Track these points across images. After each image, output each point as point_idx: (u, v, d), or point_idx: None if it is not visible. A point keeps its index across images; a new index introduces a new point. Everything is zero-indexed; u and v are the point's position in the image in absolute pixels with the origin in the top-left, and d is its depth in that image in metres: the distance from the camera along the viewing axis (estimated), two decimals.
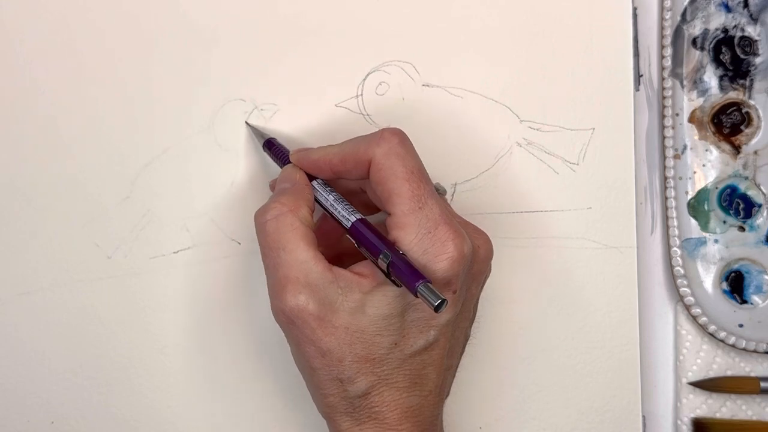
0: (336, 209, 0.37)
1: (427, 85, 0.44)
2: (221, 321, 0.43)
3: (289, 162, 0.40)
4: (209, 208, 0.43)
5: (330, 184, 0.39)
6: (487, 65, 0.44)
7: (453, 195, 0.44)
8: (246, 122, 0.43)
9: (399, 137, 0.37)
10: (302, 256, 0.35)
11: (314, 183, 0.39)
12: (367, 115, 0.44)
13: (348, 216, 0.37)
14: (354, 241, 0.36)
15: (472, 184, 0.44)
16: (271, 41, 0.44)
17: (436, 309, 0.32)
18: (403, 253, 0.35)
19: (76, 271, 0.43)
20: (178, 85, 0.44)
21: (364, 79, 0.44)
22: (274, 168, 0.44)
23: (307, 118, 0.44)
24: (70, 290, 0.43)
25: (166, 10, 0.44)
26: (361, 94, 0.44)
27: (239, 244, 0.43)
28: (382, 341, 0.35)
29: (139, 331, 0.43)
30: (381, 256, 0.34)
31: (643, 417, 0.43)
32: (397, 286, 0.35)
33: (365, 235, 0.36)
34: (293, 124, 0.44)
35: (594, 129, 0.44)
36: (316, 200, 0.38)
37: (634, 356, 0.43)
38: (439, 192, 0.41)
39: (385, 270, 0.34)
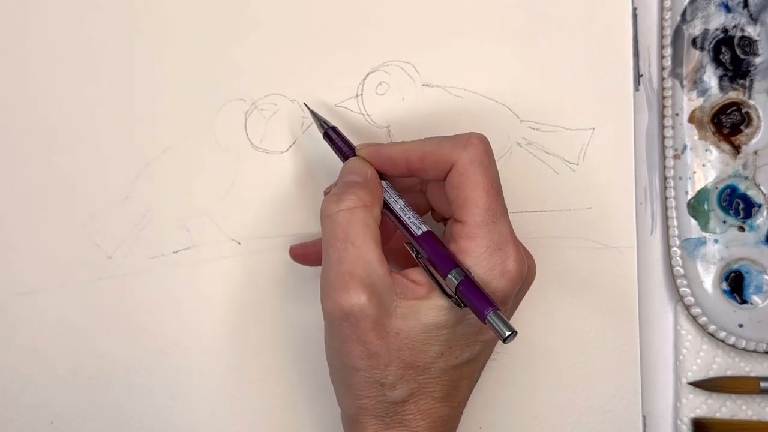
0: (406, 215, 0.36)
1: (427, 85, 0.44)
2: (221, 321, 0.43)
3: (355, 155, 0.38)
4: (209, 208, 0.43)
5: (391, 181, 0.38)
6: (487, 65, 0.44)
7: None
8: (305, 104, 0.42)
9: (486, 145, 0.36)
10: (370, 256, 0.34)
11: (384, 183, 0.38)
12: (367, 115, 0.44)
13: (419, 225, 0.36)
14: (416, 251, 0.36)
15: None
16: (271, 41, 0.44)
17: (505, 341, 0.32)
18: (472, 275, 0.34)
19: (76, 271, 0.43)
20: (179, 85, 0.44)
21: (364, 79, 0.44)
22: (274, 168, 0.44)
23: (307, 119, 0.44)
24: (70, 290, 0.43)
25: (167, 11, 0.44)
26: (361, 94, 0.44)
27: (239, 244, 0.43)
28: (430, 350, 0.35)
29: (139, 331, 0.43)
30: (452, 274, 0.34)
31: (643, 417, 0.43)
32: (458, 305, 0.34)
33: (435, 249, 0.35)
34: (293, 124, 0.44)
35: (594, 129, 0.44)
36: (385, 203, 0.37)
37: (634, 356, 0.43)
38: None
39: (453, 288, 0.34)
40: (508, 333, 0.32)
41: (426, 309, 0.35)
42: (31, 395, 0.43)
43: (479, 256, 0.35)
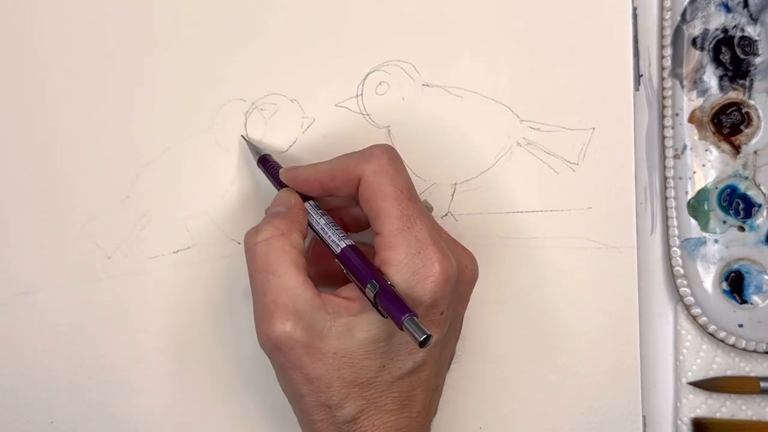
0: (327, 234, 0.37)
1: (427, 85, 0.44)
2: (221, 321, 0.43)
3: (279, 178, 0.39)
4: (209, 208, 0.43)
5: (322, 201, 0.39)
6: (487, 65, 0.44)
7: (453, 195, 0.44)
8: (242, 136, 0.43)
9: (389, 154, 0.36)
10: (291, 282, 0.35)
11: (307, 205, 0.38)
12: (367, 115, 0.44)
13: (338, 242, 0.36)
14: (343, 267, 0.36)
15: (472, 184, 0.44)
16: (271, 41, 0.44)
17: (422, 344, 0.32)
18: (391, 284, 0.34)
19: (76, 271, 0.43)
20: (179, 85, 0.44)
21: (364, 79, 0.44)
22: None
23: (308, 118, 0.44)
24: (70, 290, 0.43)
25: (167, 11, 0.44)
26: (361, 94, 0.44)
27: (239, 244, 0.43)
28: (370, 364, 0.35)
29: (139, 331, 0.43)
30: (369, 286, 0.34)
31: (643, 417, 0.43)
32: (383, 316, 0.34)
33: (354, 263, 0.35)
34: (293, 125, 0.44)
35: (594, 129, 0.44)
36: (309, 223, 0.38)
37: (634, 356, 0.43)
38: (427, 209, 0.40)
39: (372, 299, 0.34)
40: (421, 338, 0.32)
41: (360, 324, 0.35)
42: (31, 395, 0.43)
43: (399, 264, 0.34)
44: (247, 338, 0.43)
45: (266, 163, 0.41)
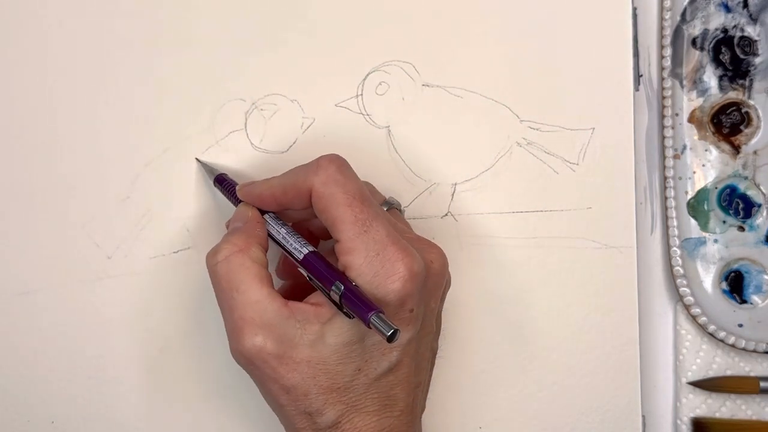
0: (288, 242, 0.37)
1: (427, 85, 0.44)
2: (221, 321, 0.43)
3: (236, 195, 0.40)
4: (209, 208, 0.43)
5: (285, 215, 0.39)
6: (487, 65, 0.44)
7: (453, 195, 0.44)
8: (196, 158, 0.43)
9: (336, 164, 0.36)
10: (256, 296, 0.35)
11: (266, 217, 0.38)
12: (367, 115, 0.44)
13: (300, 248, 0.36)
14: (305, 274, 0.36)
15: (472, 184, 0.44)
16: (271, 41, 0.44)
17: (389, 339, 0.32)
18: (355, 285, 0.34)
19: (76, 271, 0.43)
20: (178, 85, 0.44)
21: (364, 79, 0.44)
22: (274, 168, 0.44)
23: (308, 118, 0.44)
24: (70, 290, 0.43)
25: (167, 11, 0.44)
26: (361, 94, 0.44)
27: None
28: (345, 369, 0.35)
29: (139, 331, 0.43)
30: (333, 288, 0.34)
31: (643, 417, 0.43)
32: (350, 317, 0.34)
33: (317, 267, 0.35)
34: (293, 124, 0.44)
35: (594, 129, 0.44)
36: (270, 235, 0.38)
37: (634, 356, 0.43)
38: (393, 206, 0.40)
39: (338, 302, 0.34)
40: (388, 332, 0.32)
41: (330, 330, 0.35)
42: (31, 395, 0.43)
43: (360, 267, 0.35)
44: None
45: (222, 181, 0.41)
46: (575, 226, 0.44)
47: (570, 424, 0.43)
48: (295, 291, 0.40)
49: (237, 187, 0.40)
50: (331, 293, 0.34)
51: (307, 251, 0.36)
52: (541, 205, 0.44)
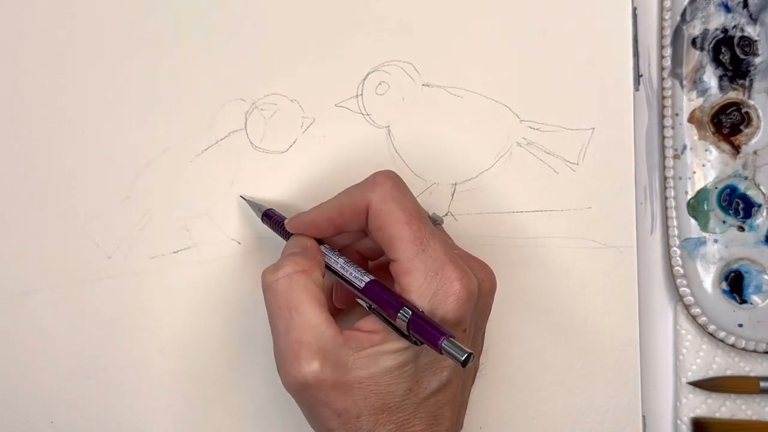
0: (348, 271, 0.37)
1: (427, 85, 0.44)
2: (221, 321, 0.43)
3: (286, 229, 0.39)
4: (209, 208, 0.43)
5: (330, 242, 0.39)
6: (487, 65, 0.44)
7: (453, 195, 0.44)
8: (241, 196, 0.43)
9: (393, 180, 0.36)
10: (315, 319, 0.34)
11: (323, 248, 0.38)
12: (367, 115, 0.44)
13: (361, 277, 0.36)
14: (365, 303, 0.36)
15: (472, 184, 0.44)
16: (272, 41, 0.44)
17: (464, 364, 0.32)
18: (422, 311, 0.34)
19: (76, 271, 0.43)
20: (178, 85, 0.44)
21: (364, 79, 0.44)
22: (274, 168, 0.44)
23: (308, 118, 0.44)
24: (70, 290, 0.43)
25: (167, 11, 0.44)
26: (361, 94, 0.44)
27: (239, 244, 0.43)
28: (396, 389, 0.35)
29: (139, 331, 0.43)
30: (400, 315, 0.34)
31: (643, 417, 0.43)
32: (416, 343, 0.34)
33: (381, 295, 0.35)
34: (293, 124, 0.44)
35: (594, 129, 0.44)
36: (327, 265, 0.38)
37: (634, 356, 0.43)
38: (436, 222, 0.40)
39: (405, 328, 0.34)
40: (463, 357, 0.32)
41: (384, 354, 0.35)
42: (31, 395, 0.43)
43: (419, 288, 0.34)
44: (247, 337, 0.43)
45: (271, 217, 0.41)
46: (575, 226, 0.44)
47: (570, 424, 0.43)
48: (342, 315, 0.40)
49: (286, 221, 0.39)
50: (398, 321, 0.34)
51: (369, 279, 0.36)
52: (541, 205, 0.44)
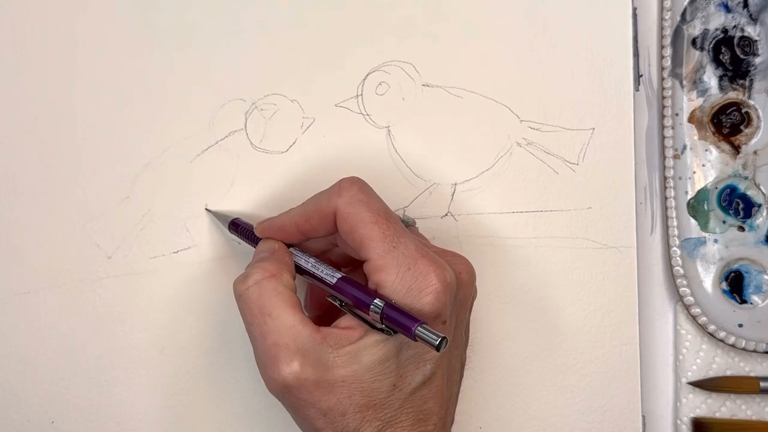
0: (319, 269, 0.37)
1: (427, 85, 0.44)
2: (221, 321, 0.43)
3: (255, 236, 0.39)
4: (209, 208, 0.43)
5: (302, 247, 0.39)
6: (487, 65, 0.44)
7: (453, 195, 0.44)
8: (206, 209, 0.43)
9: (358, 185, 0.37)
10: (289, 321, 0.35)
11: (292, 249, 0.38)
12: (367, 115, 0.44)
13: (332, 274, 0.36)
14: (337, 300, 0.36)
15: (472, 184, 0.44)
16: (272, 41, 0.44)
17: (438, 348, 0.32)
18: (394, 302, 0.34)
19: (76, 271, 0.43)
20: (178, 85, 0.44)
21: (364, 79, 0.44)
22: (274, 168, 0.44)
23: (308, 118, 0.44)
24: (70, 290, 0.43)
25: (167, 11, 0.44)
26: (361, 94, 0.44)
27: (239, 243, 0.43)
28: (380, 386, 0.35)
29: (139, 331, 0.43)
30: (372, 307, 0.34)
31: (643, 417, 0.43)
32: (389, 334, 0.34)
33: (352, 290, 0.35)
34: (293, 124, 0.44)
35: (594, 129, 0.44)
36: (297, 265, 0.38)
37: (634, 356, 0.43)
38: (408, 223, 0.40)
39: (378, 320, 0.34)
40: (437, 342, 0.32)
41: (364, 349, 0.35)
42: (31, 395, 0.43)
43: (393, 283, 0.35)
44: (247, 338, 0.43)
45: (237, 226, 0.41)
46: (575, 226, 0.44)
47: (570, 424, 0.43)
48: (319, 322, 0.40)
49: (255, 227, 0.39)
50: (371, 313, 0.34)
51: (340, 276, 0.36)
52: (541, 205, 0.44)
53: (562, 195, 0.44)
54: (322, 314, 0.41)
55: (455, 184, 0.44)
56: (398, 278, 0.35)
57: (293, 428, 0.41)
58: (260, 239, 0.39)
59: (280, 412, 0.43)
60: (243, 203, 0.43)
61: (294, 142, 0.44)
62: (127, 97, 0.44)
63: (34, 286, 0.43)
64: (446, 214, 0.44)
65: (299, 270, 0.38)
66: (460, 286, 0.37)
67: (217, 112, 0.44)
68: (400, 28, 0.44)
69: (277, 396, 0.36)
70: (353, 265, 0.41)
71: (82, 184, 0.43)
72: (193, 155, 0.44)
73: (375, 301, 0.34)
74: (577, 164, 0.44)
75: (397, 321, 0.33)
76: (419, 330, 0.32)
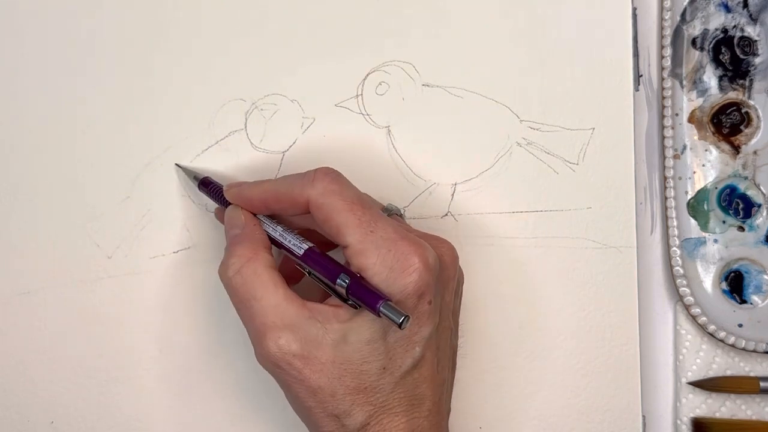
0: (286, 239, 0.37)
1: (427, 85, 0.44)
2: (221, 321, 0.43)
3: (224, 198, 0.40)
4: (209, 208, 0.43)
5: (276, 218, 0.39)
6: (487, 65, 0.44)
7: (453, 195, 0.44)
8: (176, 164, 0.43)
9: (331, 176, 0.37)
10: (273, 300, 0.35)
11: (260, 217, 0.39)
12: (367, 115, 0.44)
13: (300, 244, 0.37)
14: (306, 269, 0.36)
15: (472, 184, 0.44)
16: (272, 41, 0.44)
17: (401, 326, 0.32)
18: (361, 276, 0.34)
19: (76, 271, 0.43)
20: (179, 84, 0.44)
21: (364, 79, 0.44)
22: (274, 168, 0.44)
23: (308, 118, 0.44)
24: (70, 290, 0.43)
25: (167, 10, 0.44)
26: (361, 94, 0.44)
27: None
28: (370, 368, 0.35)
29: (139, 331, 0.43)
30: (338, 281, 0.34)
31: (643, 417, 0.43)
32: (355, 307, 0.34)
33: (319, 262, 0.36)
34: (293, 124, 0.44)
35: (594, 129, 0.44)
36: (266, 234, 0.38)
37: (634, 356, 0.43)
38: (392, 212, 0.40)
39: (344, 294, 0.34)
40: (400, 319, 0.32)
41: (352, 329, 0.35)
42: (31, 395, 0.43)
43: (373, 266, 0.35)
44: (247, 338, 0.43)
45: (208, 185, 0.41)
46: (575, 226, 0.44)
47: (570, 424, 0.43)
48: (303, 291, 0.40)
49: (225, 188, 0.39)
50: (337, 287, 0.34)
51: (308, 246, 0.36)
52: (541, 205, 0.44)
53: (561, 195, 0.44)
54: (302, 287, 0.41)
55: (455, 184, 0.44)
56: (379, 260, 0.35)
57: (293, 428, 0.41)
58: (230, 204, 0.39)
59: (279, 411, 0.43)
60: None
61: (294, 142, 0.44)
62: (127, 97, 0.44)
63: (34, 286, 0.43)
64: (446, 214, 0.44)
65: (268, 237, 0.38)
66: (443, 267, 0.37)
67: (217, 112, 0.44)
68: (400, 28, 0.44)
69: (271, 374, 0.36)
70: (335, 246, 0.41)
71: (82, 183, 0.43)
72: (193, 155, 0.44)
73: (341, 274, 0.34)
74: (577, 164, 0.44)
75: (364, 296, 0.34)
76: (383, 307, 0.33)
